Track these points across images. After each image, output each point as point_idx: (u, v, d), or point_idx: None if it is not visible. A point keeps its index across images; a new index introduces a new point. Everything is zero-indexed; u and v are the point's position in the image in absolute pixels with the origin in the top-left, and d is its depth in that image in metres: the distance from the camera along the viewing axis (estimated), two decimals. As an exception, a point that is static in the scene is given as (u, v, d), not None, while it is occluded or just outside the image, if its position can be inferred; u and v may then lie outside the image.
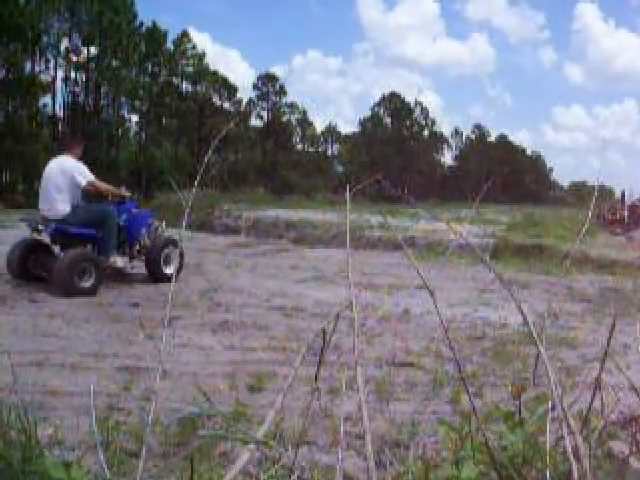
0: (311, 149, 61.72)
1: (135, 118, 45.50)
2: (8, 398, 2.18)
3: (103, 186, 6.75)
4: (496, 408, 1.53)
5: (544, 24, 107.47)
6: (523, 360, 4.10)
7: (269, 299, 6.25)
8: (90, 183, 6.52)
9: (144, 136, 46.52)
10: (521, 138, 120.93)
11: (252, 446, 1.15)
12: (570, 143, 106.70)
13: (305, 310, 5.74)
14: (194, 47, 48.39)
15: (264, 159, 53.22)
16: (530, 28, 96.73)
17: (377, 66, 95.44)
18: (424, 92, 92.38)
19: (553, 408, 1.33)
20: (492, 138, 72.50)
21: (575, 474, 1.08)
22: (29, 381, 3.27)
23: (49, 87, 39.05)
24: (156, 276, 6.95)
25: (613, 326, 1.51)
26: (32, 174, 34.52)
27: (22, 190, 34.50)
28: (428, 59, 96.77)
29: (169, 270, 6.98)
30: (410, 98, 66.52)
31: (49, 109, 39.98)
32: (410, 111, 65.60)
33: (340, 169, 63.38)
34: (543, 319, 4.70)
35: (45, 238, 6.67)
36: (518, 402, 1.45)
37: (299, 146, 60.61)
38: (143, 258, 7.06)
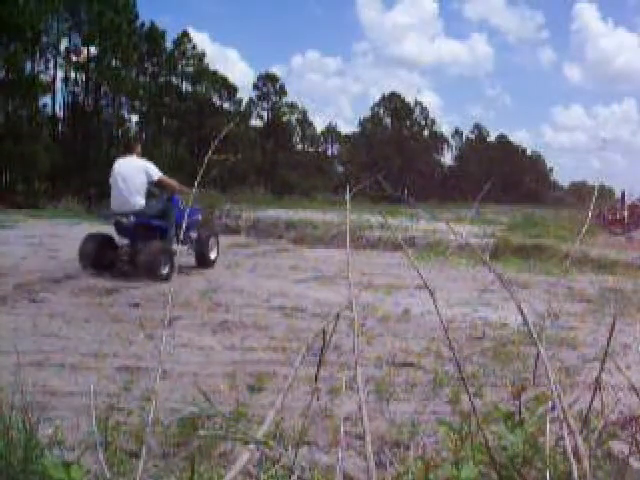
0: (311, 149, 61.67)
1: (135, 118, 45.54)
2: (8, 398, 2.18)
3: (167, 180, 7.49)
4: (496, 408, 1.53)
5: (543, 24, 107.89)
6: (523, 360, 4.10)
7: (269, 299, 6.25)
8: (160, 178, 7.31)
9: (144, 136, 46.52)
10: (521, 138, 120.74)
11: (252, 446, 1.15)
12: (570, 143, 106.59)
13: (305, 310, 5.74)
14: (194, 47, 48.41)
15: (264, 159, 53.21)
16: (529, 28, 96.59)
17: (376, 66, 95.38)
18: (423, 92, 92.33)
19: (553, 408, 1.33)
20: (492, 138, 72.54)
21: (575, 474, 1.08)
22: (29, 381, 3.27)
23: (49, 87, 39.04)
24: (204, 261, 8.19)
25: (613, 326, 1.51)
26: (32, 174, 34.52)
27: (22, 190, 34.49)
28: (427, 59, 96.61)
29: (212, 256, 8.37)
30: (410, 98, 66.54)
31: (49, 109, 39.98)
32: (410, 111, 65.58)
33: (340, 169, 63.35)
34: (543, 319, 4.70)
35: (113, 231, 7.51)
36: (518, 402, 1.45)
37: (299, 146, 60.56)
38: (193, 247, 8.09)
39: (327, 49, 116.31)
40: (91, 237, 7.42)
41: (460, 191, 53.58)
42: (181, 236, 7.53)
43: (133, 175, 7.17)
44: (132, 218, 7.09)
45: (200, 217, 8.60)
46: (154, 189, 7.49)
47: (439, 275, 8.22)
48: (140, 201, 7.18)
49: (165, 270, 7.02)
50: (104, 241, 7.46)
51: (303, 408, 2.85)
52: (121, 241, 7.53)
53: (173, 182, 7.48)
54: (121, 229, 7.35)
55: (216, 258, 8.42)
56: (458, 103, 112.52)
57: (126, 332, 4.61)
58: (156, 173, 7.25)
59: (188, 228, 7.85)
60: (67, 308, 5.42)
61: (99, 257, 7.29)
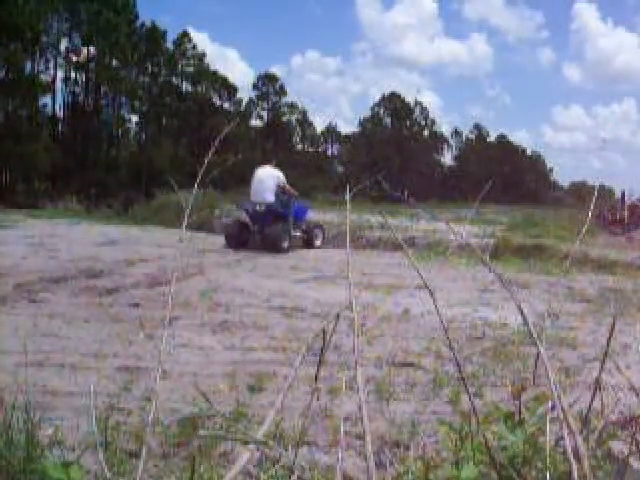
0: (311, 149, 61.63)
1: (135, 118, 45.54)
2: (9, 398, 2.18)
3: (287, 186, 10.60)
4: (496, 408, 1.53)
5: (542, 24, 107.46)
6: (523, 360, 4.10)
7: (269, 299, 6.25)
8: (284, 184, 10.49)
9: (144, 136, 46.53)
10: (520, 138, 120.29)
11: (252, 446, 1.15)
12: (570, 143, 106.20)
13: (305, 310, 5.74)
14: (194, 47, 48.40)
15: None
16: (528, 28, 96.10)
17: (375, 66, 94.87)
18: (423, 92, 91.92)
19: (553, 408, 1.33)
20: (492, 138, 72.46)
21: (575, 474, 1.08)
22: (29, 381, 3.27)
23: (49, 87, 39.05)
24: (310, 245, 11.15)
25: (613, 326, 1.51)
26: (32, 174, 34.53)
27: (22, 190, 34.49)
28: (426, 59, 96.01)
29: (318, 243, 11.35)
30: (410, 98, 66.45)
31: (49, 109, 40.01)
32: (410, 111, 65.54)
33: (340, 169, 63.30)
34: (543, 319, 4.70)
35: (246, 218, 10.61)
36: (518, 402, 1.45)
37: (299, 146, 60.53)
38: (303, 234, 11.10)
39: (327, 49, 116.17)
40: (234, 223, 10.81)
41: (460, 191, 53.53)
42: (292, 225, 10.65)
43: (267, 179, 10.30)
44: (264, 207, 10.14)
45: (308, 212, 11.59)
46: (279, 190, 10.41)
47: (439, 275, 8.22)
48: (270, 197, 10.19)
49: (285, 245, 10.16)
50: (242, 226, 10.61)
51: (303, 408, 2.85)
52: (253, 226, 10.50)
53: (290, 188, 10.58)
54: (255, 215, 10.32)
55: (322, 244, 11.34)
56: (458, 103, 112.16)
57: (126, 332, 4.61)
58: (282, 180, 10.43)
59: (299, 219, 10.98)
60: (67, 308, 5.41)
61: (239, 237, 10.41)
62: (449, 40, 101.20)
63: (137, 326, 4.74)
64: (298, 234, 10.98)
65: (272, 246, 9.90)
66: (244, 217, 10.71)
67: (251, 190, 10.42)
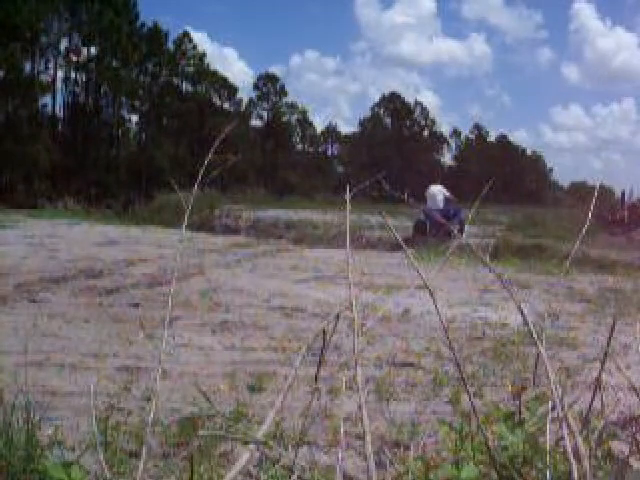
0: (311, 149, 61.63)
1: (135, 118, 45.55)
2: (9, 398, 2.18)
3: (449, 197, 14.60)
4: (496, 408, 1.53)
5: (541, 24, 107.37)
6: (523, 360, 4.10)
7: (269, 299, 6.25)
8: (447, 196, 14.47)
9: (144, 136, 46.53)
10: (520, 138, 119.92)
11: (252, 446, 1.15)
12: (569, 143, 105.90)
13: (305, 310, 5.74)
14: (194, 47, 48.40)
15: (264, 159, 53.17)
16: (527, 28, 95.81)
17: (374, 65, 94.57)
18: (422, 92, 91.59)
19: (553, 408, 1.33)
20: (492, 138, 72.39)
21: (575, 474, 1.08)
22: (29, 381, 3.27)
23: (49, 87, 39.05)
24: (461, 231, 12.86)
25: (613, 326, 1.51)
26: (32, 174, 34.53)
27: (22, 190, 34.48)
28: (425, 58, 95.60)
29: (465, 229, 13.12)
30: (410, 98, 66.43)
31: (49, 109, 40.01)
32: (410, 111, 65.53)
33: (340, 169, 63.29)
34: (543, 319, 4.70)
35: (424, 219, 14.09)
36: (518, 402, 1.45)
37: (299, 146, 60.53)
38: (457, 224, 13.53)
39: (326, 49, 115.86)
40: (419, 222, 14.37)
41: (460, 191, 53.53)
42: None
43: (437, 192, 14.47)
44: (436, 211, 13.68)
45: (463, 212, 14.31)
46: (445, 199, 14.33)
47: (439, 275, 8.21)
48: (440, 203, 14.20)
49: (452, 235, 12.64)
50: (424, 224, 14.10)
51: (303, 408, 2.85)
52: (426, 223, 14.03)
53: (451, 197, 14.58)
54: (430, 216, 13.58)
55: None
56: (457, 103, 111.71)
57: (126, 332, 4.61)
58: (445, 193, 14.53)
59: (456, 216, 13.98)
60: (67, 308, 5.41)
61: (423, 231, 13.79)
62: (448, 40, 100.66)
63: (137, 326, 4.74)
64: (457, 226, 13.90)
65: (444, 236, 12.85)
66: (423, 217, 14.26)
67: (427, 199, 14.46)
